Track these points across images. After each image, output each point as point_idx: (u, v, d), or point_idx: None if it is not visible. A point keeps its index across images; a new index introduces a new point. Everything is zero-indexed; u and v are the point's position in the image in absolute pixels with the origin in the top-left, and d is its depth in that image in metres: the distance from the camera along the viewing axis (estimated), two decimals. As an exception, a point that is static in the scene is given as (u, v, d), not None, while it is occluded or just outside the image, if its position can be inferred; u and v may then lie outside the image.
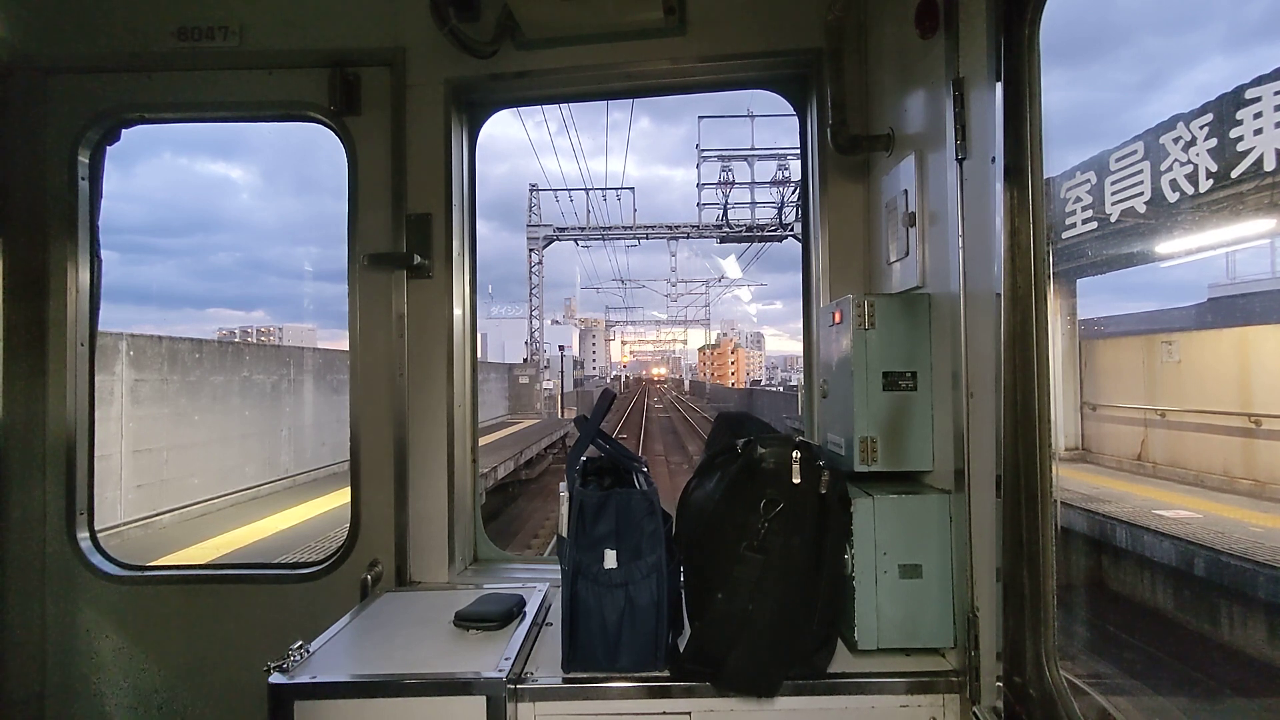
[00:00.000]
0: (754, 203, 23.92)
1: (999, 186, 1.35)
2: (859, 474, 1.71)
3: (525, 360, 32.90)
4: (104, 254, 2.40)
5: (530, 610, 1.84)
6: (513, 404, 29.38)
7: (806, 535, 1.51)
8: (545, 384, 32.64)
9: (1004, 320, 1.35)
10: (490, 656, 1.58)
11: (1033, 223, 1.33)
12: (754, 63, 2.30)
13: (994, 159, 1.36)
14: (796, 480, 1.51)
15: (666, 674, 1.54)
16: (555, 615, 1.86)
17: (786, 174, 23.41)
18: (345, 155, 2.31)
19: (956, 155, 1.51)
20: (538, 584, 2.07)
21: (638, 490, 1.58)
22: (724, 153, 23.68)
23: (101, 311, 2.42)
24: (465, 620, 1.76)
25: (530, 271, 31.11)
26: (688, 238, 27.60)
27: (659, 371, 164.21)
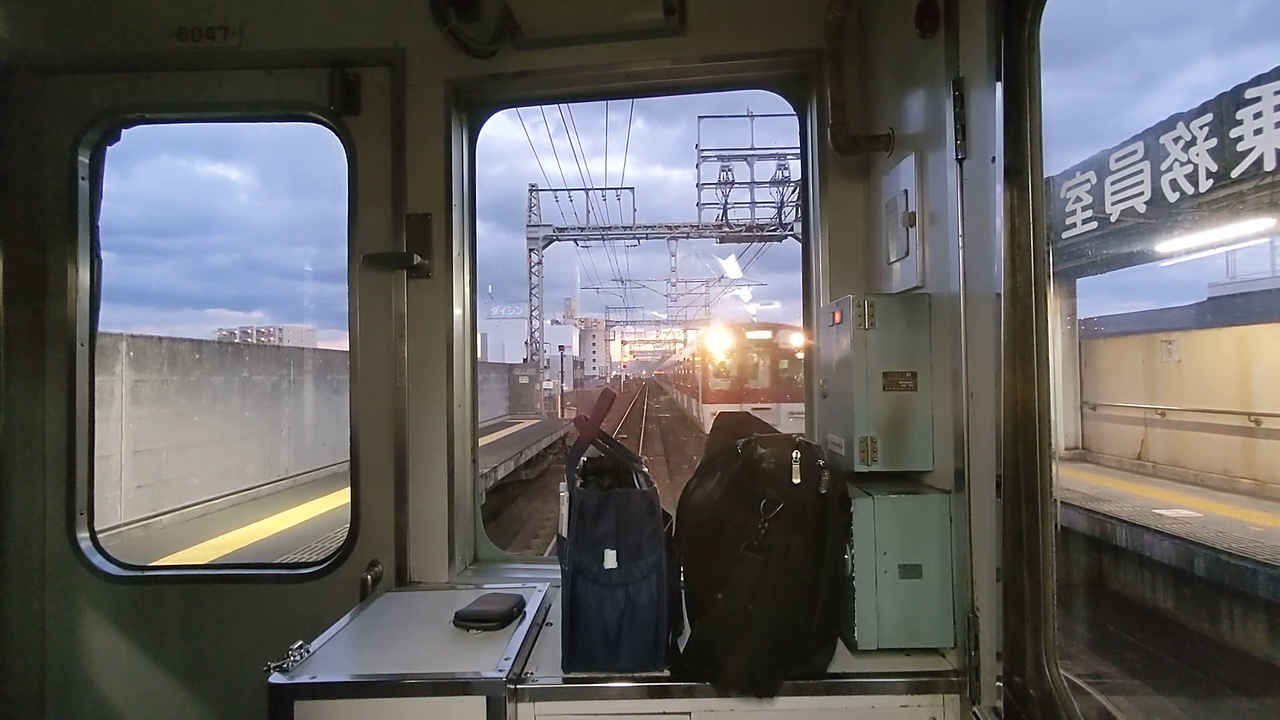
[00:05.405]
0: (754, 202, 23.92)
1: (999, 186, 1.34)
2: (859, 474, 1.70)
3: (525, 360, 32.88)
4: (103, 254, 2.40)
5: (530, 610, 1.84)
6: (513, 404, 29.35)
7: (806, 535, 1.51)
8: (545, 384, 32.63)
9: (1004, 320, 1.35)
10: (490, 656, 1.58)
11: (1033, 223, 1.33)
12: (754, 63, 2.30)
13: (994, 159, 1.36)
14: (796, 480, 1.51)
15: (666, 674, 1.54)
16: (555, 615, 1.86)
17: (786, 174, 23.38)
18: (345, 155, 2.31)
19: (956, 155, 1.51)
20: (538, 584, 2.07)
21: (638, 490, 1.58)
22: (723, 152, 23.67)
23: (101, 312, 2.42)
24: (465, 620, 1.76)
25: (530, 272, 31.10)
26: (687, 238, 27.61)
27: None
